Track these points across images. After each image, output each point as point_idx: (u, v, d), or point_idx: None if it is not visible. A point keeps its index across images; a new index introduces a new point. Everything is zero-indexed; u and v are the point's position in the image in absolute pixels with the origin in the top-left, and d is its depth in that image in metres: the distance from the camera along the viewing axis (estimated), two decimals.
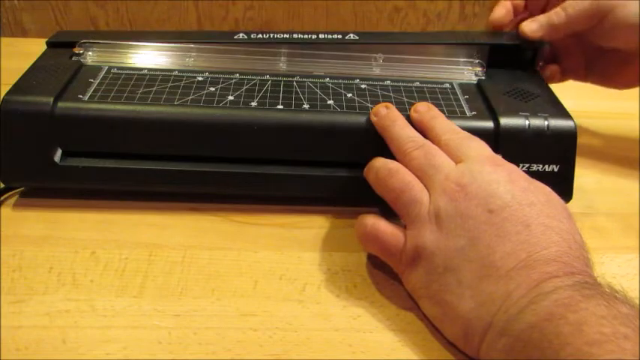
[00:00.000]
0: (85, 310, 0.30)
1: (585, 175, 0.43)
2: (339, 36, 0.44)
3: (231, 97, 0.39)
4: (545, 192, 0.31)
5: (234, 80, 0.41)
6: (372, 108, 0.38)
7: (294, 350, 0.29)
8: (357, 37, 0.44)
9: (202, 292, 0.32)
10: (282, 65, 0.44)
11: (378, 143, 0.36)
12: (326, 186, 0.38)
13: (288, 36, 0.44)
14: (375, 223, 0.32)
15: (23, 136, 0.36)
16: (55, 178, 0.37)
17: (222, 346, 0.29)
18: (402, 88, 0.42)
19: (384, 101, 0.39)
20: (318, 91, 0.41)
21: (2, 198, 0.38)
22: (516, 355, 0.25)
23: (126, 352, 0.28)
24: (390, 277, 0.33)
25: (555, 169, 0.38)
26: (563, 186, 0.38)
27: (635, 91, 0.47)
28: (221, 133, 0.37)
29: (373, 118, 0.37)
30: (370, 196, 0.35)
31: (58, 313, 0.30)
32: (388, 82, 0.42)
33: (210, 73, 0.42)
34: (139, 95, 0.38)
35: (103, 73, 0.41)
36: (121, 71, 0.41)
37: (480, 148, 0.33)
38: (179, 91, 0.39)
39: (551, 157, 0.37)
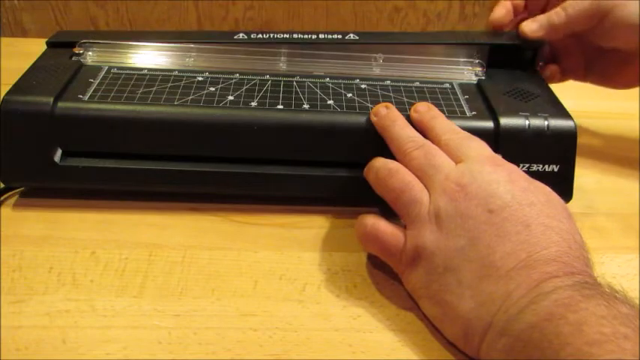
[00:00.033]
0: (85, 310, 0.30)
1: (585, 175, 0.43)
2: (339, 36, 0.44)
3: (231, 97, 0.39)
4: (545, 192, 0.31)
5: (234, 80, 0.41)
6: (372, 108, 0.38)
7: (294, 350, 0.29)
8: (357, 37, 0.44)
9: (202, 292, 0.32)
10: (282, 65, 0.44)
11: (378, 143, 0.36)
12: (326, 186, 0.38)
13: (288, 36, 0.44)
14: (375, 223, 0.32)
15: (23, 136, 0.36)
16: (55, 178, 0.37)
17: (222, 346, 0.29)
18: (402, 88, 0.42)
19: (384, 101, 0.39)
20: (318, 91, 0.41)
21: (2, 198, 0.38)
22: (516, 355, 0.25)
23: (126, 352, 0.28)
24: (390, 277, 0.33)
25: (555, 169, 0.38)
26: (563, 186, 0.38)
27: (635, 91, 0.47)
28: (221, 133, 0.37)
29: (373, 118, 0.37)
30: (370, 196, 0.35)
31: (58, 313, 0.30)
32: (388, 82, 0.42)
33: (210, 73, 0.42)
34: (138, 95, 0.38)
35: (103, 73, 0.41)
36: (121, 71, 0.41)
37: (480, 148, 0.33)
38: (179, 91, 0.39)
39: (551, 157, 0.37)
